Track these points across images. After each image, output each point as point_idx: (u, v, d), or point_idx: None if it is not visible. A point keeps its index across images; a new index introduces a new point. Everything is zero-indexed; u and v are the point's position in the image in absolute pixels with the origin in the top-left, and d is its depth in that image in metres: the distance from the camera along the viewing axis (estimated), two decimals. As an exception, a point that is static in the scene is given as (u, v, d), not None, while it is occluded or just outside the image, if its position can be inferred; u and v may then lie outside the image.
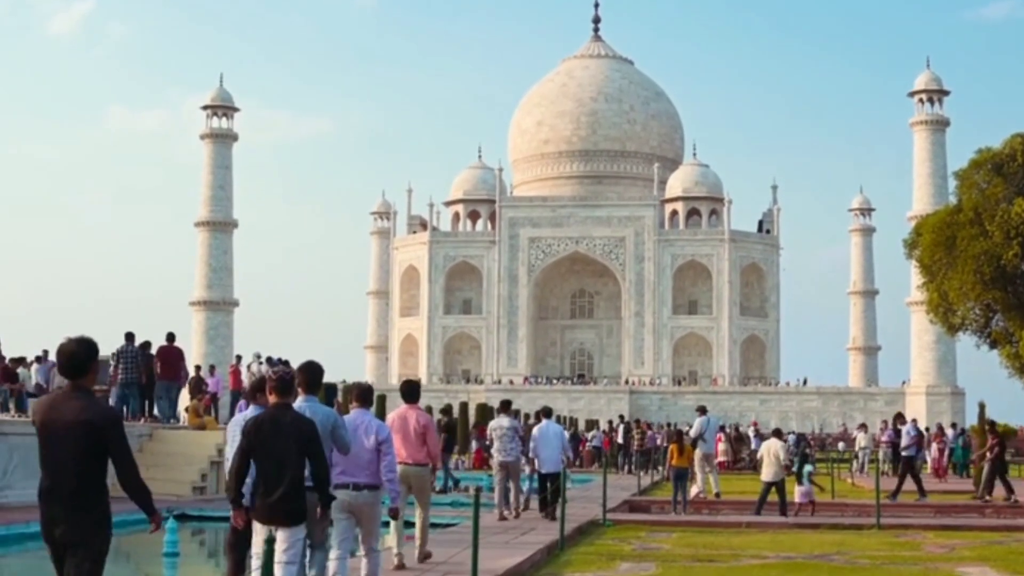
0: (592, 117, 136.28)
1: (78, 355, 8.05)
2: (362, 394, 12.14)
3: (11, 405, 27.91)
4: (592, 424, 73.62)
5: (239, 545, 10.71)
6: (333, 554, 11.09)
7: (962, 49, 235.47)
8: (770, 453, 25.31)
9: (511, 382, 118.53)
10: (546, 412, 24.29)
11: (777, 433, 27.80)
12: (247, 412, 11.23)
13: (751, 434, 56.40)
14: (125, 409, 30.39)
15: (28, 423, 25.24)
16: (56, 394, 8.19)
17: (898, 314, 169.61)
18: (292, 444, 9.60)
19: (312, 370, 10.73)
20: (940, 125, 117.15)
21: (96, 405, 8.04)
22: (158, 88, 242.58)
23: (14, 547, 19.09)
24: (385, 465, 11.43)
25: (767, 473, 25.23)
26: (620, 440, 50.30)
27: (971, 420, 56.56)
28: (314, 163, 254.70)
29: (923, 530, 22.01)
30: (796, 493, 26.17)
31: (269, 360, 36.09)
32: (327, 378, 12.86)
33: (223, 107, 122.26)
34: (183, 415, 33.39)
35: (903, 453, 33.20)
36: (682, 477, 26.67)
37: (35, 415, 8.19)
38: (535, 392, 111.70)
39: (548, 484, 22.52)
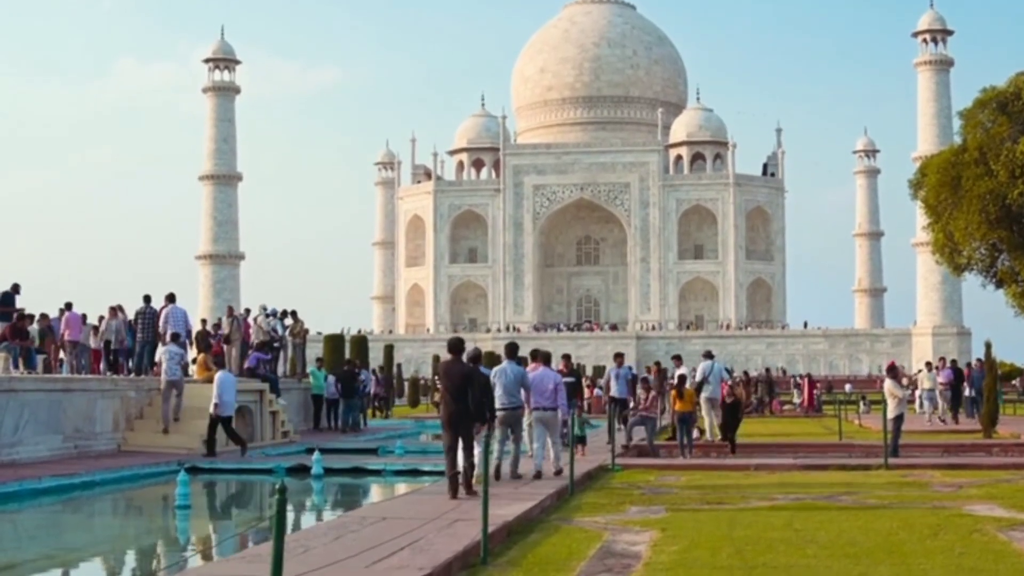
0: (595, 63, 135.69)
1: (459, 344, 16.48)
2: (543, 357, 20.16)
3: (20, 362, 27.83)
4: (600, 370, 73.66)
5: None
6: (536, 445, 19.62)
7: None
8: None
9: (517, 330, 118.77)
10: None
11: (891, 371, 28.59)
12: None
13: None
14: (141, 365, 30.81)
15: (38, 380, 25.30)
16: (450, 359, 16.29)
17: (904, 255, 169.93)
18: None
19: (512, 346, 18.70)
20: (944, 65, 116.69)
21: (465, 366, 16.30)
22: (167, 41, 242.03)
23: (27, 502, 19.18)
24: (560, 398, 19.69)
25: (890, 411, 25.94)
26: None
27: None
28: (318, 114, 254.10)
29: (930, 469, 22.10)
30: None
31: (274, 313, 36.14)
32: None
33: (224, 60, 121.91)
34: (191, 368, 33.40)
35: None
36: (686, 421, 26.75)
37: (441, 367, 16.39)
38: (543, 339, 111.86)
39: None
